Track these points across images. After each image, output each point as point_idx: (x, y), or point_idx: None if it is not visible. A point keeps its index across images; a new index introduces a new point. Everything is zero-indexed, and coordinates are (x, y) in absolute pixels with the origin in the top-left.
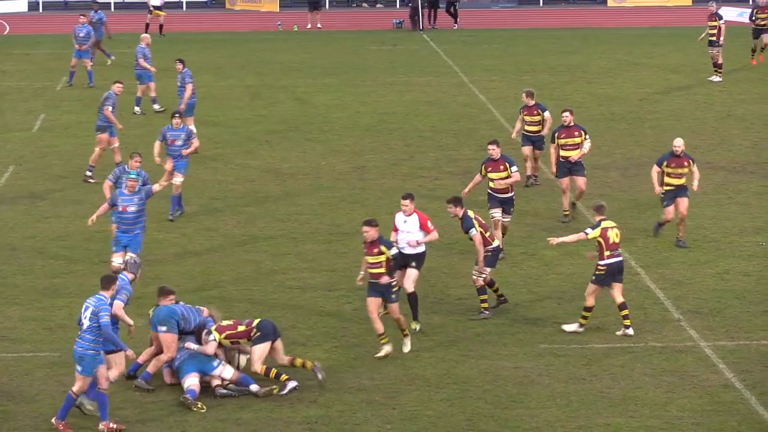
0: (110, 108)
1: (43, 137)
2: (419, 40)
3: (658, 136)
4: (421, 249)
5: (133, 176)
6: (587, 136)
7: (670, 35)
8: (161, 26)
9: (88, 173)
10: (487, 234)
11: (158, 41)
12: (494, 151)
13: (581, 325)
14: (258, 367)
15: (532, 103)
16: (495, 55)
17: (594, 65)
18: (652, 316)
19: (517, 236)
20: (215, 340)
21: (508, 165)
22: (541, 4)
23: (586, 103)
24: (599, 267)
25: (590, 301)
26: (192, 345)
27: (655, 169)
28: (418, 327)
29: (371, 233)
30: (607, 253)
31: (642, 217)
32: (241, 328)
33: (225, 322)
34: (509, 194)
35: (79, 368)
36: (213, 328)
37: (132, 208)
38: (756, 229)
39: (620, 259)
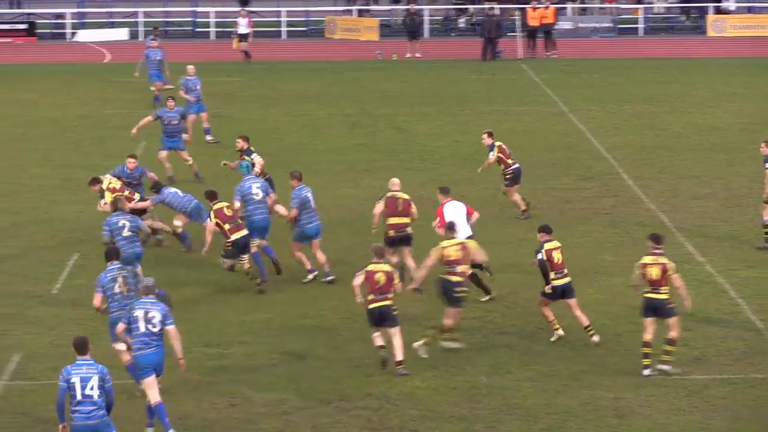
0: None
1: (145, 165)
2: (517, 69)
3: (759, 167)
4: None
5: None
6: None
7: None
8: (246, 53)
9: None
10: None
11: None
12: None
13: None
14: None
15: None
16: (594, 85)
17: (693, 95)
18: (753, 347)
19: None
20: None
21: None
22: (640, 33)
23: (686, 133)
24: None
25: None
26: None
27: None
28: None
29: None
30: None
31: (742, 248)
32: None
33: None
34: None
35: None
36: None
37: None
38: None
39: None
